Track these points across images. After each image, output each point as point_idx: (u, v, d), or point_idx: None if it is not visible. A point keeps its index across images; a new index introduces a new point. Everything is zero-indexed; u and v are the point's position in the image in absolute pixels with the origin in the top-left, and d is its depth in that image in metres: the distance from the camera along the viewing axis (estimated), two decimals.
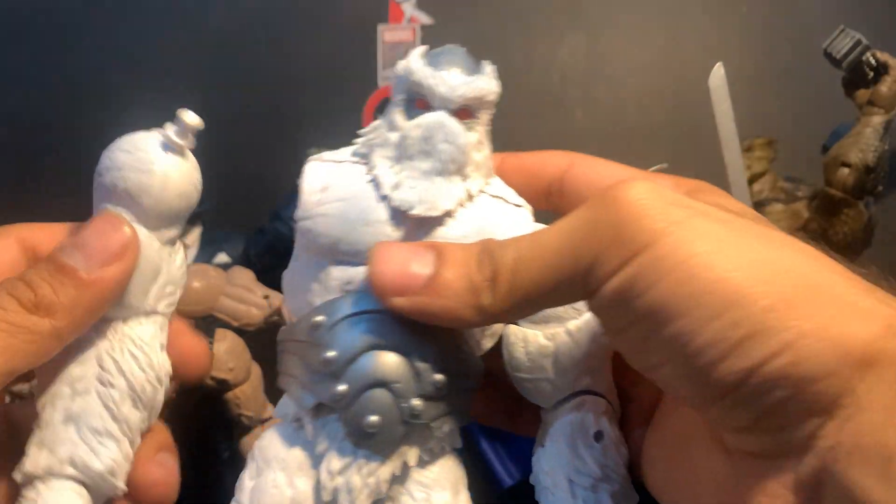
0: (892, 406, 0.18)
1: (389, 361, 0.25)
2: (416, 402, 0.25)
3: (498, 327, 0.29)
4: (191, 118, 0.28)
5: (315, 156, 0.29)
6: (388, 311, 0.25)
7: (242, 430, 0.55)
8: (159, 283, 0.28)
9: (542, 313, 0.28)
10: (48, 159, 0.69)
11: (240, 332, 0.54)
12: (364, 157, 0.28)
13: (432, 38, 0.69)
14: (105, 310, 0.27)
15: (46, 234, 0.29)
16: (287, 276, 0.29)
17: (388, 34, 0.74)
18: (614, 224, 0.21)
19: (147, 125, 0.29)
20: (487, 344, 0.29)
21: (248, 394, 0.53)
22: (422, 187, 0.26)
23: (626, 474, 0.27)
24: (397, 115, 0.27)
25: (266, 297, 0.55)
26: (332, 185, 0.27)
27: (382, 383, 0.25)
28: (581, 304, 0.28)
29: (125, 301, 0.28)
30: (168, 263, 0.29)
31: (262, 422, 0.55)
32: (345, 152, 0.29)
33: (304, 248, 0.28)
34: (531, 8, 0.70)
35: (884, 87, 0.55)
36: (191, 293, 0.49)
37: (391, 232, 0.26)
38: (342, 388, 0.25)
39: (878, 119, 0.55)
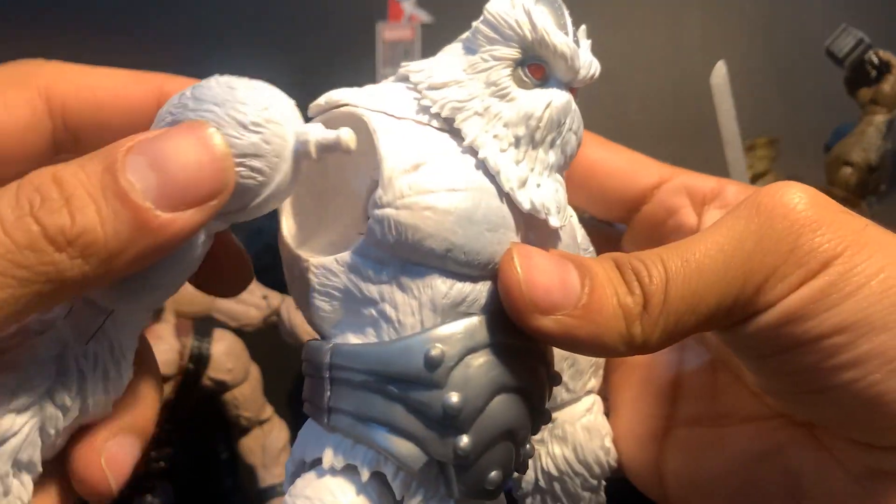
0: None
1: (517, 407, 0.20)
2: (529, 448, 0.21)
3: None
4: (346, 140, 0.19)
5: (339, 98, 0.21)
6: (515, 342, 0.20)
7: (241, 431, 0.54)
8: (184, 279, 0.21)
9: None
10: None
11: (239, 332, 0.54)
12: (445, 123, 0.21)
13: (432, 36, 0.68)
14: (153, 262, 0.19)
15: (83, 89, 0.21)
16: (328, 277, 0.21)
17: (387, 32, 0.74)
18: (787, 238, 0.19)
19: None
20: None
21: (246, 395, 0.53)
22: (550, 188, 0.21)
23: None
24: (506, 79, 0.21)
25: (265, 297, 0.55)
26: (428, 162, 0.20)
27: (509, 434, 0.20)
28: None
29: (157, 283, 0.20)
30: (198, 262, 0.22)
31: (261, 423, 0.55)
32: (399, 102, 0.21)
33: (378, 244, 0.20)
34: None
35: (886, 86, 0.54)
36: (189, 294, 0.49)
37: (515, 240, 0.21)
38: (466, 442, 0.19)
39: (880, 118, 0.54)
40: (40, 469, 0.20)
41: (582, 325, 0.20)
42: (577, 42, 0.21)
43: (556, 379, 0.22)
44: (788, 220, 0.19)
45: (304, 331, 0.53)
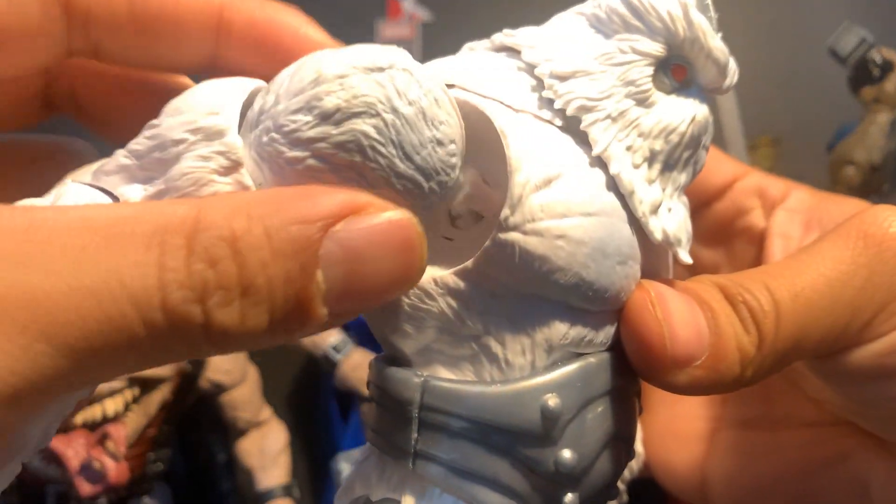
0: None
1: (622, 456, 0.18)
2: (614, 492, 0.19)
3: None
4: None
5: (450, 74, 0.17)
6: (628, 385, 0.18)
7: (239, 433, 0.54)
8: None
9: None
10: None
11: None
12: (568, 123, 0.17)
13: (432, 34, 0.68)
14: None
15: None
16: (423, 300, 0.17)
17: (386, 30, 0.73)
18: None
19: None
20: None
21: (244, 396, 0.53)
22: (681, 214, 0.18)
23: None
24: (648, 80, 0.17)
25: None
26: (561, 173, 0.17)
27: (611, 487, 0.19)
28: None
29: None
30: None
31: (259, 425, 0.54)
32: (516, 90, 0.17)
33: (496, 271, 0.17)
34: (532, 5, 0.69)
35: (889, 85, 0.54)
36: None
37: (640, 275, 0.18)
38: (570, 499, 0.17)
39: (883, 117, 0.54)
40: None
41: (707, 376, 0.18)
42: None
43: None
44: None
45: None
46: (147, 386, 0.51)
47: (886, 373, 0.20)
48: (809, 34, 0.62)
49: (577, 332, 0.17)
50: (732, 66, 0.18)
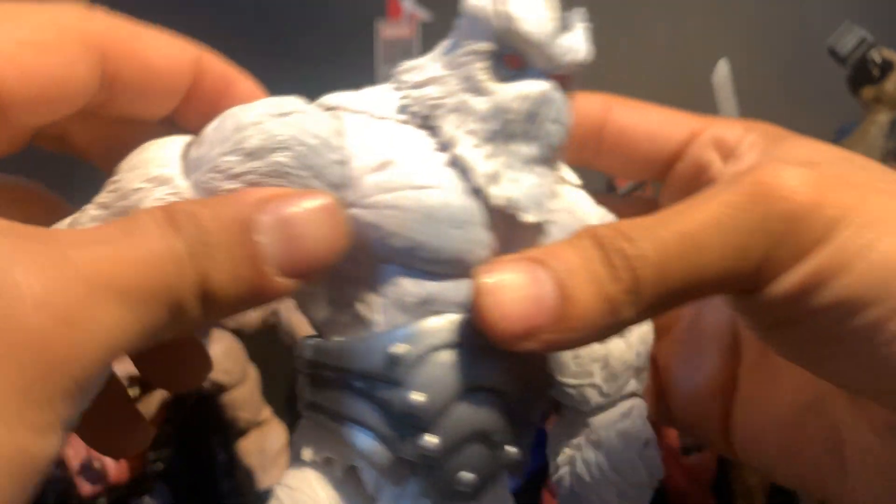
0: None
1: (491, 408, 0.20)
2: (511, 449, 0.21)
3: None
4: None
5: (331, 101, 0.21)
6: (488, 342, 0.20)
7: (239, 432, 0.54)
8: None
9: None
10: None
11: (237, 333, 0.54)
12: (424, 120, 0.21)
13: (432, 34, 0.68)
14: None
15: (133, 40, 0.21)
16: (334, 279, 0.22)
17: (386, 30, 0.73)
18: (786, 217, 0.19)
19: None
20: None
21: (244, 396, 0.53)
22: (527, 182, 0.20)
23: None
24: (480, 73, 0.20)
25: None
26: (395, 159, 0.20)
27: (483, 436, 0.20)
28: None
29: None
30: None
31: (259, 424, 0.54)
32: (382, 102, 0.21)
33: (350, 244, 0.21)
34: None
35: (889, 85, 0.54)
36: None
37: (487, 238, 0.20)
38: (433, 442, 0.20)
39: (883, 117, 0.54)
40: None
41: (562, 337, 0.19)
42: (563, 26, 0.20)
43: (550, 380, 0.22)
44: (786, 199, 0.19)
45: (303, 331, 0.53)
46: (147, 386, 0.51)
47: (773, 325, 0.21)
48: (809, 34, 0.62)
49: (423, 290, 0.20)
50: (566, 44, 0.20)
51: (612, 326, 0.19)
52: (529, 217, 0.20)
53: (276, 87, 0.23)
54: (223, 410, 0.53)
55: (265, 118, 0.19)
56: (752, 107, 0.52)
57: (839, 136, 0.57)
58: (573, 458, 0.26)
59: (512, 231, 0.21)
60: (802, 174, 0.20)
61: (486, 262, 0.20)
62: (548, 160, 0.21)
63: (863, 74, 0.55)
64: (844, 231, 0.19)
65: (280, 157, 0.19)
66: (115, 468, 0.48)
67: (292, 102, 0.20)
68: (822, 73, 0.58)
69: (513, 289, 0.19)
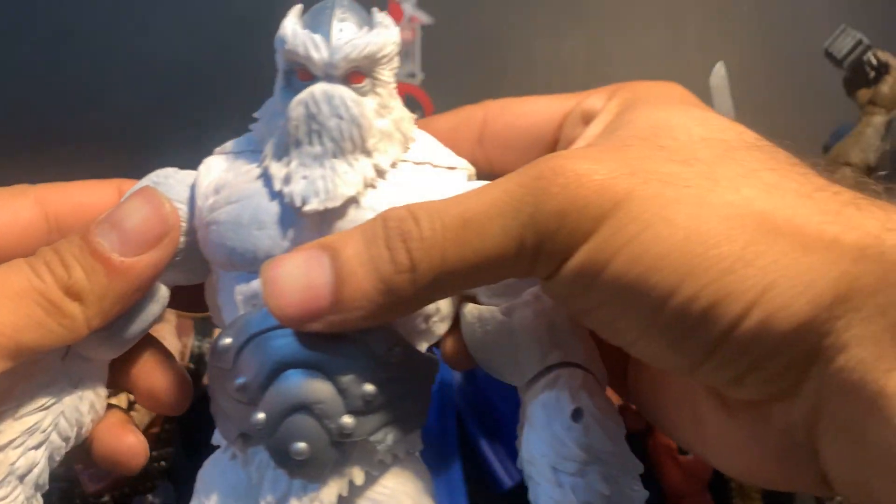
0: (872, 339, 0.17)
1: (307, 382, 0.22)
2: (347, 420, 0.22)
3: (449, 310, 0.26)
4: None
5: (219, 148, 0.26)
6: None
7: None
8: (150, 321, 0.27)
9: (499, 284, 0.24)
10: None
11: None
12: (260, 145, 0.24)
13: (433, 37, 0.68)
14: (136, 299, 0.24)
15: (66, 196, 0.27)
16: (206, 292, 0.27)
17: None
18: (556, 211, 0.20)
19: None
20: (440, 329, 0.26)
21: None
22: (315, 176, 0.23)
23: (618, 449, 0.25)
24: (283, 91, 0.24)
25: None
26: (226, 184, 0.24)
27: (303, 407, 0.22)
28: None
29: (126, 332, 0.25)
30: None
31: None
32: (249, 138, 0.25)
33: (209, 258, 0.25)
34: (532, 8, 0.70)
35: (885, 87, 0.55)
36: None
37: (290, 234, 0.23)
38: (260, 416, 0.22)
39: (879, 119, 0.55)
40: (47, 487, 0.25)
41: (344, 317, 0.21)
42: (333, 31, 0.23)
43: (380, 348, 0.23)
44: (562, 186, 0.20)
45: None
46: None
47: (575, 310, 0.22)
48: (805, 37, 0.63)
49: (244, 289, 0.24)
50: (331, 47, 0.22)
51: (394, 304, 0.21)
52: (308, 206, 0.23)
53: (253, 93, 0.26)
54: None
55: (140, 182, 0.25)
56: (749, 109, 0.53)
57: (835, 138, 0.57)
58: (519, 436, 0.26)
59: (322, 224, 0.23)
60: (582, 166, 0.20)
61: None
62: (344, 153, 0.23)
63: (859, 77, 0.55)
64: (613, 220, 0.19)
65: None
66: None
67: (162, 170, 0.26)
68: (819, 75, 0.58)
69: (291, 276, 0.21)
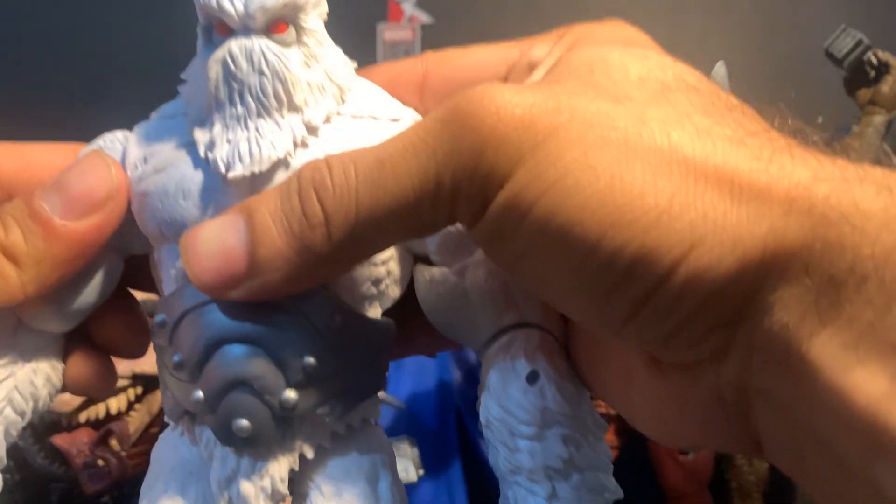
0: (797, 300, 0.17)
1: (244, 357, 0.21)
2: (289, 395, 0.21)
3: (400, 272, 0.25)
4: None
5: (154, 112, 0.24)
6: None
7: None
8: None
9: (449, 241, 0.23)
10: None
11: None
12: (187, 108, 0.23)
13: (432, 37, 0.68)
14: (77, 267, 0.23)
15: (16, 156, 0.26)
16: (150, 263, 0.25)
17: (387, 33, 0.74)
18: (479, 143, 0.18)
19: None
20: (394, 293, 0.25)
21: None
22: (239, 138, 0.21)
23: (577, 411, 0.23)
24: (203, 50, 0.22)
25: None
26: (153, 152, 0.23)
27: (241, 382, 0.21)
28: None
29: (73, 303, 0.25)
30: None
31: None
32: (179, 102, 0.24)
33: (143, 231, 0.24)
34: (531, 7, 0.70)
35: (885, 87, 0.55)
36: None
37: (217, 202, 0.22)
38: (199, 394, 0.22)
39: (879, 118, 0.55)
40: (4, 462, 0.24)
41: (266, 283, 0.20)
42: None
43: (319, 318, 0.22)
44: (482, 123, 0.18)
45: None
46: (150, 384, 0.52)
47: (498, 260, 0.20)
48: (806, 37, 0.63)
49: (178, 262, 0.22)
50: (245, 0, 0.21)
51: (312, 265, 0.19)
52: (233, 173, 0.21)
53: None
54: None
55: (85, 149, 0.24)
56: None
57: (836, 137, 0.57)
58: (479, 399, 0.25)
59: (253, 190, 0.22)
60: (504, 95, 0.19)
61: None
62: (270, 110, 0.22)
63: (859, 76, 0.55)
64: (528, 167, 0.18)
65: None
66: (118, 466, 0.48)
67: (106, 136, 0.25)
68: (819, 75, 0.58)
69: (207, 242, 0.20)
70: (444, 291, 0.24)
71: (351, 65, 0.24)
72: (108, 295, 0.25)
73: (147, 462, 0.49)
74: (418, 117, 0.24)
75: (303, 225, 0.19)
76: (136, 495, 0.38)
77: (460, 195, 0.19)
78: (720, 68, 0.50)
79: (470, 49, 0.26)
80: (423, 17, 0.71)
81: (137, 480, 0.47)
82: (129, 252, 0.25)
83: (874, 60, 0.55)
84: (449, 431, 0.54)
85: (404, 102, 0.24)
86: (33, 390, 0.25)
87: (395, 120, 0.23)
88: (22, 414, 0.24)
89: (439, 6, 0.70)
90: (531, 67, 0.24)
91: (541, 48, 0.24)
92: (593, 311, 0.19)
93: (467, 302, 0.24)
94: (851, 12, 0.64)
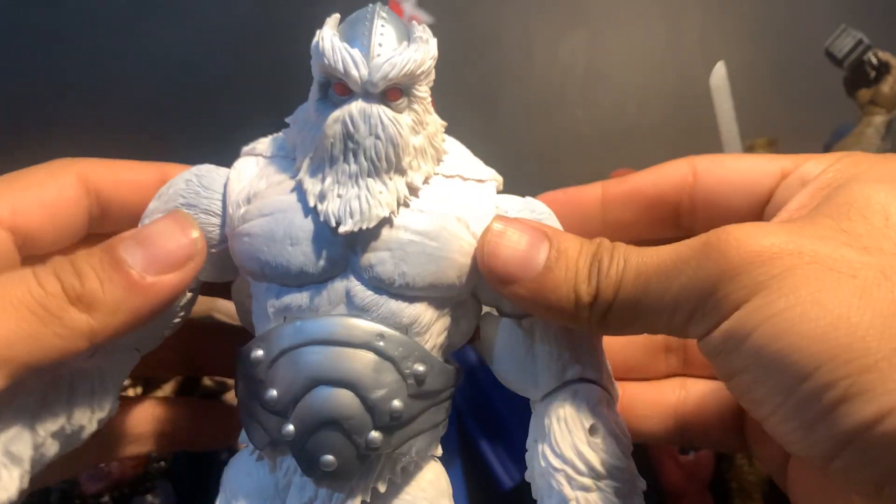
0: None
1: (338, 398, 0.23)
2: (375, 435, 0.23)
3: (469, 325, 0.27)
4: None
5: (248, 148, 0.25)
6: (331, 340, 0.23)
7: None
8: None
9: None
10: None
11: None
12: (294, 151, 0.24)
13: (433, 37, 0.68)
14: (150, 321, 0.24)
15: (110, 172, 0.27)
16: (233, 289, 0.27)
17: None
18: (718, 272, 0.20)
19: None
20: (459, 341, 0.27)
21: None
22: (350, 195, 0.23)
23: (629, 465, 0.25)
24: (318, 104, 0.23)
25: None
26: (257, 193, 0.24)
27: (333, 422, 0.23)
28: None
29: (143, 335, 0.26)
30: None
31: None
32: (280, 141, 0.25)
33: (238, 266, 0.25)
34: (531, 7, 0.70)
35: (885, 87, 0.55)
36: None
37: (324, 251, 0.23)
38: (290, 428, 0.23)
39: (879, 118, 0.55)
40: (27, 467, 0.23)
41: (529, 296, 0.23)
42: (373, 47, 0.22)
43: (406, 366, 0.24)
44: (724, 256, 0.20)
45: None
46: (150, 384, 0.52)
47: (721, 374, 0.22)
48: (806, 36, 0.63)
49: (281, 301, 0.24)
50: (371, 65, 0.22)
51: (573, 316, 0.22)
52: (343, 228, 0.23)
53: (281, 88, 0.26)
54: None
55: (178, 178, 0.26)
56: (750, 109, 0.53)
57: (835, 137, 0.57)
58: (530, 447, 0.26)
59: (362, 241, 0.23)
60: (746, 235, 0.20)
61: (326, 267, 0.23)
62: (380, 172, 0.23)
63: (859, 76, 0.55)
64: (763, 294, 0.19)
65: (177, 201, 0.25)
66: (118, 466, 0.48)
67: (201, 168, 0.26)
68: (819, 75, 0.58)
69: (513, 239, 0.23)
70: (512, 342, 0.26)
71: (443, 126, 0.25)
72: (179, 326, 0.27)
73: (147, 461, 0.49)
74: (498, 177, 0.26)
75: (582, 292, 0.22)
76: (136, 495, 0.38)
77: (696, 314, 0.21)
78: (720, 69, 0.50)
79: (743, 157, 0.27)
80: (424, 18, 0.71)
81: (137, 480, 0.47)
82: (206, 279, 0.27)
83: (874, 60, 0.55)
84: (449, 431, 0.54)
85: (666, 210, 0.27)
86: (70, 432, 0.25)
87: (480, 181, 0.25)
88: (47, 456, 0.24)
89: (439, 6, 0.70)
90: (803, 182, 0.25)
91: (815, 165, 0.25)
92: (799, 439, 0.20)
93: (532, 355, 0.26)
94: (851, 12, 0.64)
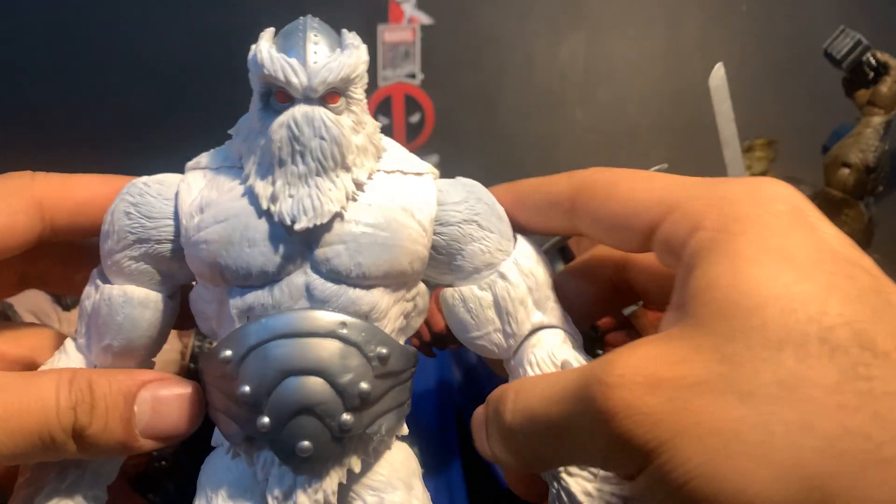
0: None
1: (309, 385, 0.24)
2: (346, 417, 0.24)
3: (425, 304, 0.28)
4: None
5: (192, 162, 0.27)
6: (297, 333, 0.24)
7: None
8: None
9: (471, 265, 0.27)
10: None
11: None
12: (241, 161, 0.26)
13: (432, 37, 0.68)
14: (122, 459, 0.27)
15: (66, 190, 0.27)
16: (192, 299, 0.27)
17: (388, 34, 0.74)
18: (610, 435, 0.20)
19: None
20: (417, 323, 0.28)
21: None
22: (302, 194, 0.24)
23: None
24: (261, 113, 0.25)
25: None
26: (210, 202, 0.25)
27: (306, 409, 0.24)
28: (507, 243, 0.27)
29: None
30: None
31: None
32: (224, 153, 0.27)
33: (197, 274, 0.26)
34: (531, 8, 0.70)
35: (884, 88, 0.55)
36: None
37: (281, 249, 0.25)
38: (265, 420, 0.24)
39: (878, 119, 0.55)
40: None
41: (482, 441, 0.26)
42: (308, 55, 0.24)
43: (371, 349, 0.25)
44: (607, 427, 0.20)
45: None
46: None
47: None
48: (805, 37, 0.63)
49: (239, 303, 0.25)
50: (309, 71, 0.23)
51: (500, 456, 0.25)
52: (299, 225, 0.24)
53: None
54: None
55: (115, 205, 0.26)
56: (749, 110, 0.53)
57: (834, 137, 0.57)
58: None
59: (311, 237, 0.25)
60: (630, 397, 0.20)
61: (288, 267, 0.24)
62: (328, 170, 0.24)
63: (858, 77, 0.56)
64: (654, 466, 0.19)
65: (128, 239, 0.26)
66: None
67: (133, 193, 0.26)
68: (818, 75, 0.58)
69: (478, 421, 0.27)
70: (475, 307, 0.27)
71: (378, 126, 0.26)
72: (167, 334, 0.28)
73: (148, 460, 0.49)
74: (436, 172, 0.27)
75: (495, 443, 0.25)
76: (137, 493, 0.38)
77: (609, 466, 0.21)
78: (720, 69, 0.50)
79: (620, 191, 0.24)
80: (424, 18, 0.71)
81: (137, 480, 0.47)
82: (178, 288, 0.28)
83: (873, 61, 0.55)
84: (449, 431, 0.55)
85: (637, 234, 0.25)
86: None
87: (418, 174, 0.27)
88: None
89: (439, 7, 0.70)
90: (670, 250, 0.23)
91: (682, 226, 0.22)
92: None
93: (497, 313, 0.27)
94: (851, 13, 0.64)
